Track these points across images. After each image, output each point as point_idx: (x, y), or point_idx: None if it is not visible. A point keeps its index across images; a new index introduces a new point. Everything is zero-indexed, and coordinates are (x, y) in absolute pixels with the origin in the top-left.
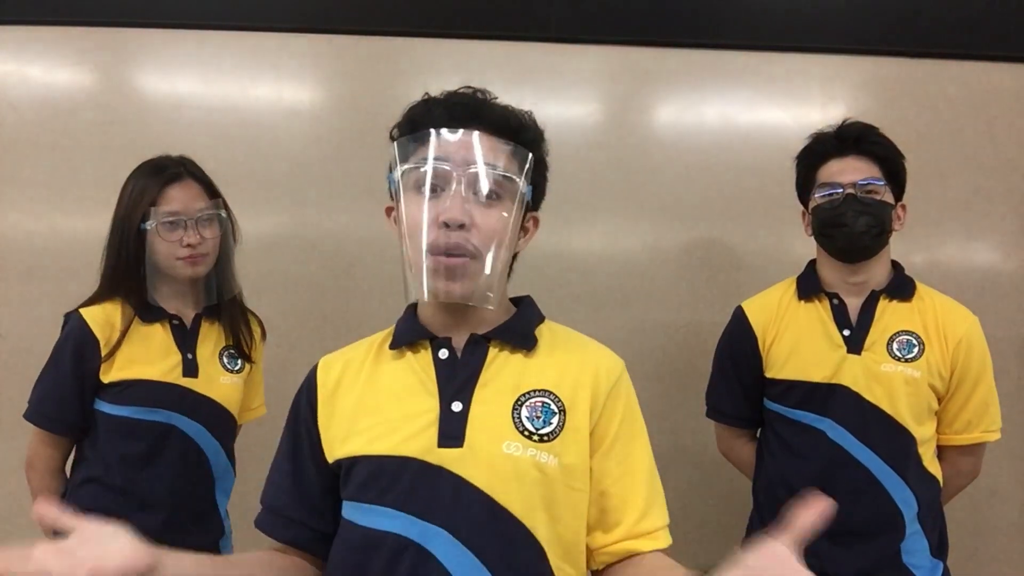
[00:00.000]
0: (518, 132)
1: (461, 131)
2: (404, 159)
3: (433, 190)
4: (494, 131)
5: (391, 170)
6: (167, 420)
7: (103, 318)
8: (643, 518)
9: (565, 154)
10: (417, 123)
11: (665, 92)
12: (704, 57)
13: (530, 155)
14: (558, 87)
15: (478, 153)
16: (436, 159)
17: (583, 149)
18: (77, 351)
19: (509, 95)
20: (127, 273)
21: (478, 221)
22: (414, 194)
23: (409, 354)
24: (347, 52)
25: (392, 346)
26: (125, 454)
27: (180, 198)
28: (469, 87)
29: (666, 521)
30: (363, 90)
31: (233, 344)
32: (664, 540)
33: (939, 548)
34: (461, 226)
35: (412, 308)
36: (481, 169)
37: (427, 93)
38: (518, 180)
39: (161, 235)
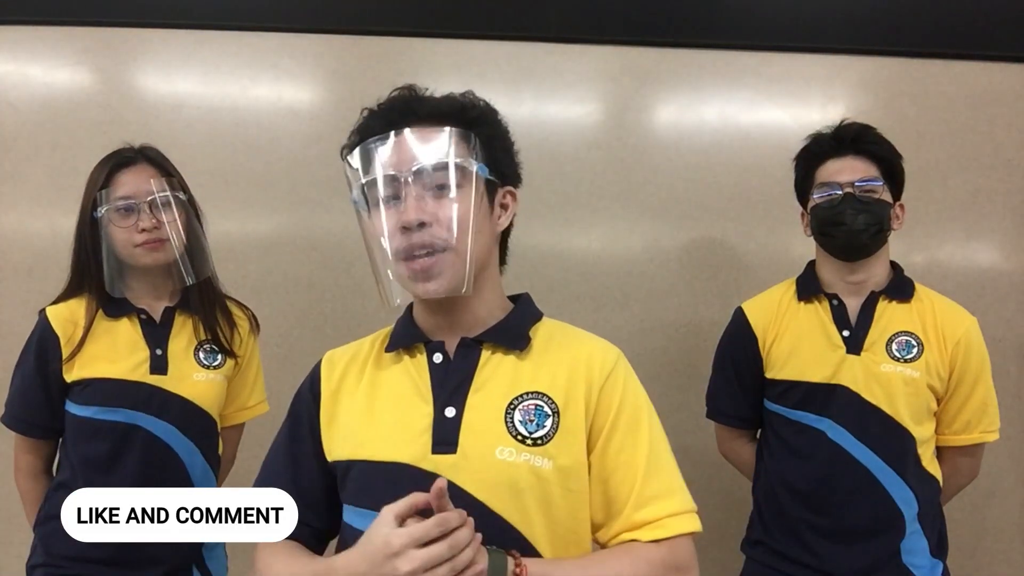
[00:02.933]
0: (459, 114)
1: (391, 135)
2: (355, 179)
3: (392, 199)
4: (432, 122)
5: (351, 191)
6: (129, 420)
7: (66, 315)
8: (639, 508)
9: (565, 154)
10: (361, 139)
11: (665, 92)
12: (704, 57)
13: (472, 134)
14: (558, 87)
15: (415, 149)
16: (380, 169)
17: (583, 149)
18: (39, 351)
19: (509, 95)
20: (88, 266)
21: (437, 215)
22: (374, 208)
23: (406, 358)
24: (347, 52)
25: (388, 348)
26: (88, 457)
27: (131, 181)
28: (405, 87)
29: (672, 510)
30: (363, 90)
31: (211, 339)
32: (670, 528)
33: (939, 548)
34: (421, 224)
35: (409, 309)
36: (423, 163)
37: (365, 109)
38: (464, 163)
39: (115, 222)
